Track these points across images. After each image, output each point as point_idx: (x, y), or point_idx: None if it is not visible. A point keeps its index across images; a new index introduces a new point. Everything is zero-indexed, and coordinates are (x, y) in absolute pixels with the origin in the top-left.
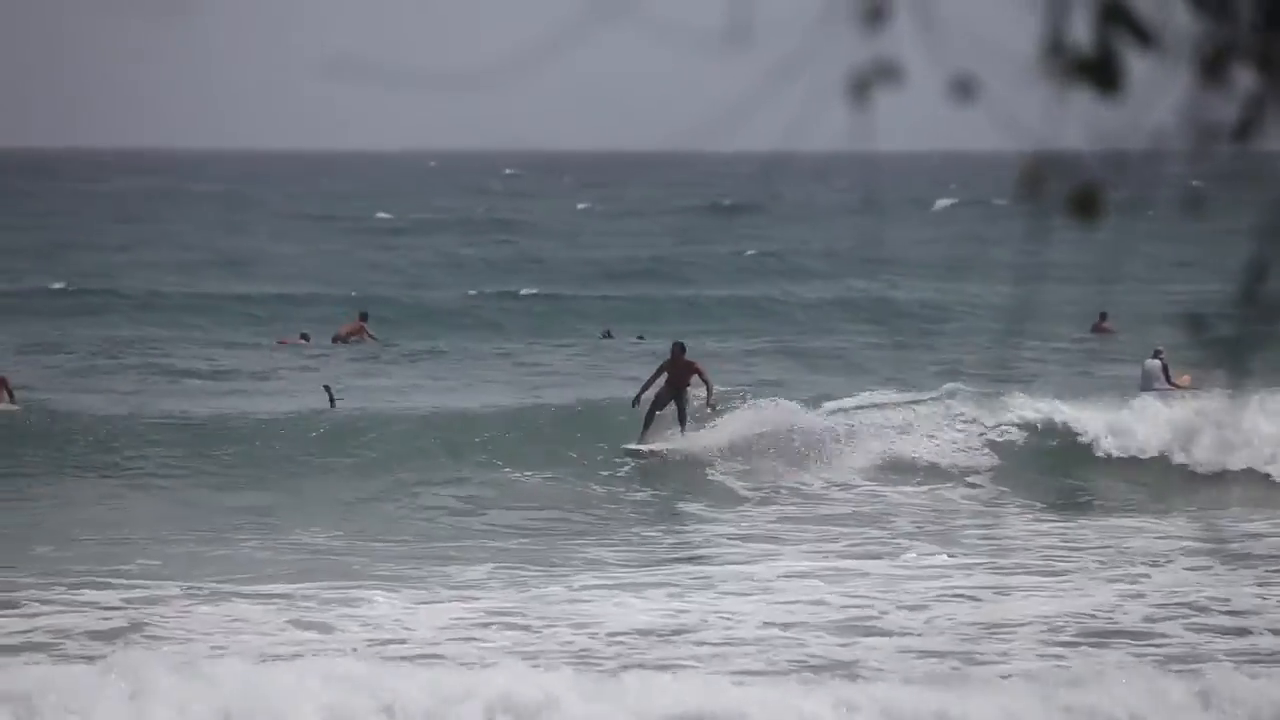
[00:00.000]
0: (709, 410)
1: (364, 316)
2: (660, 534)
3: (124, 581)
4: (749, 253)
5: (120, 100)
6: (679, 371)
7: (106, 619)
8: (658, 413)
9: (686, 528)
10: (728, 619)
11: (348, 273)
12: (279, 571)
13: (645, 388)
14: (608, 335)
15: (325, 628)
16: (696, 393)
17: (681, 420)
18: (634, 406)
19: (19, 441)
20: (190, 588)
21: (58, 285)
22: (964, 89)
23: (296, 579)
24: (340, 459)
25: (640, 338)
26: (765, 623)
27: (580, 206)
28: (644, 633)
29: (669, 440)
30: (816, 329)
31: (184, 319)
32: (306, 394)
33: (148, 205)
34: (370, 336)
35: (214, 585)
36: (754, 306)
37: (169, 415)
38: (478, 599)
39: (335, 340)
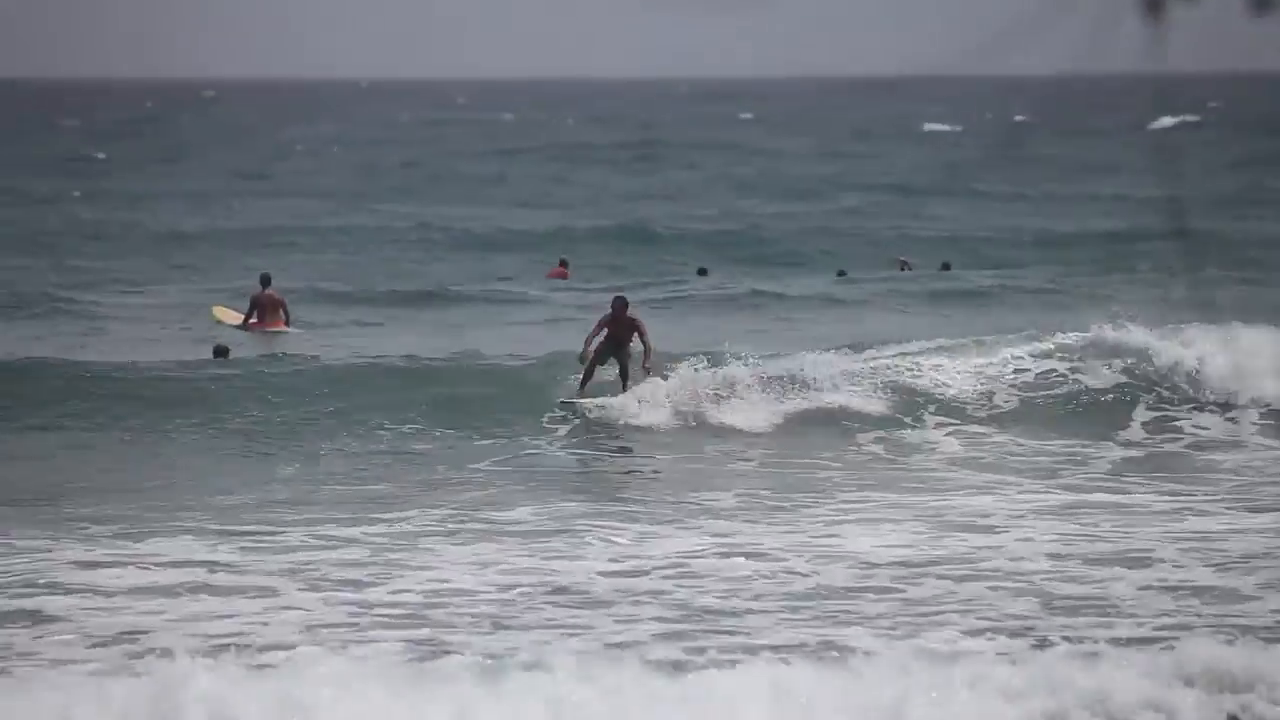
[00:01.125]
0: (646, 372)
1: (564, 263)
2: None
3: None
4: None
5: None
6: (620, 328)
7: None
8: (598, 367)
9: None
10: None
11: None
12: None
13: (589, 341)
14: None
15: None
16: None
17: (624, 377)
18: (581, 361)
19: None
20: None
21: None
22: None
23: None
24: None
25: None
26: None
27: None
28: None
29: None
30: None
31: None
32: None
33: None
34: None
35: None
36: None
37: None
38: None
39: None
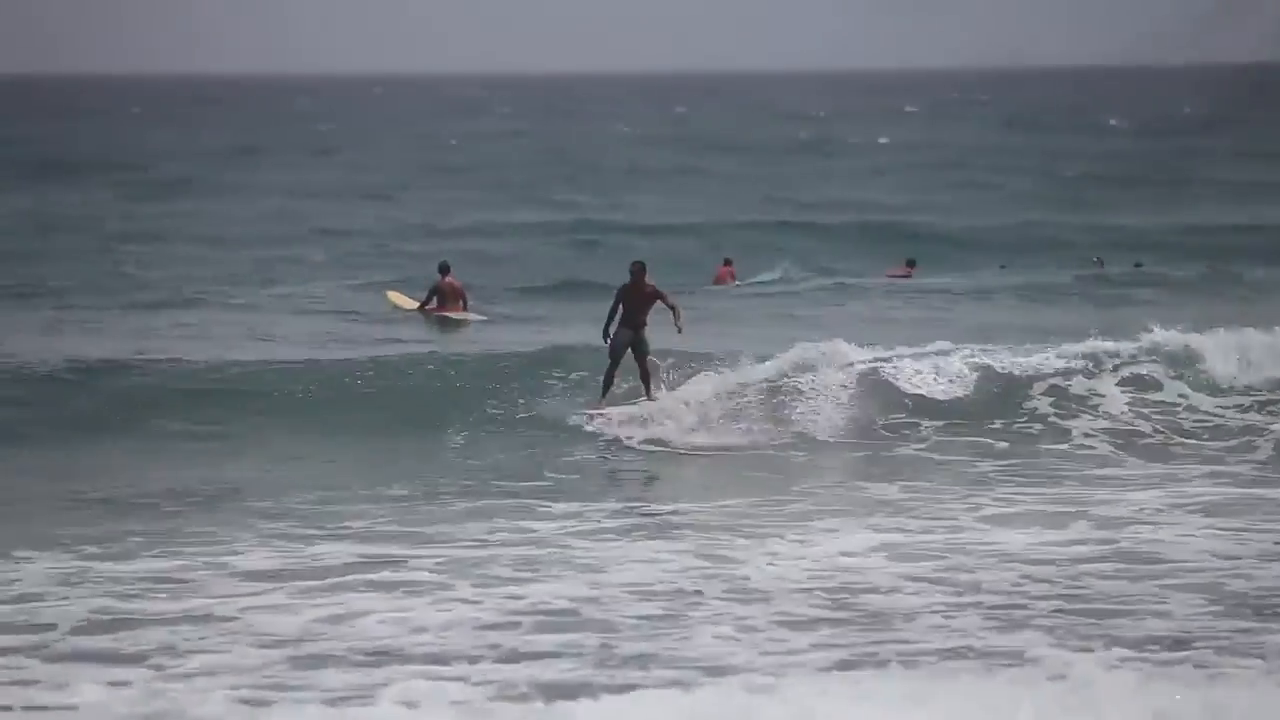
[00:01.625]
0: (679, 331)
1: (728, 262)
2: None
3: None
4: None
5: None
6: (638, 300)
7: None
8: (618, 365)
9: None
10: None
11: None
12: None
13: (610, 318)
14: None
15: None
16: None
17: (645, 380)
18: (606, 341)
19: None
20: None
21: None
22: None
23: None
24: None
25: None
26: None
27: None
28: None
29: (638, 404)
30: None
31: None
32: None
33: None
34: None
35: None
36: None
37: None
38: None
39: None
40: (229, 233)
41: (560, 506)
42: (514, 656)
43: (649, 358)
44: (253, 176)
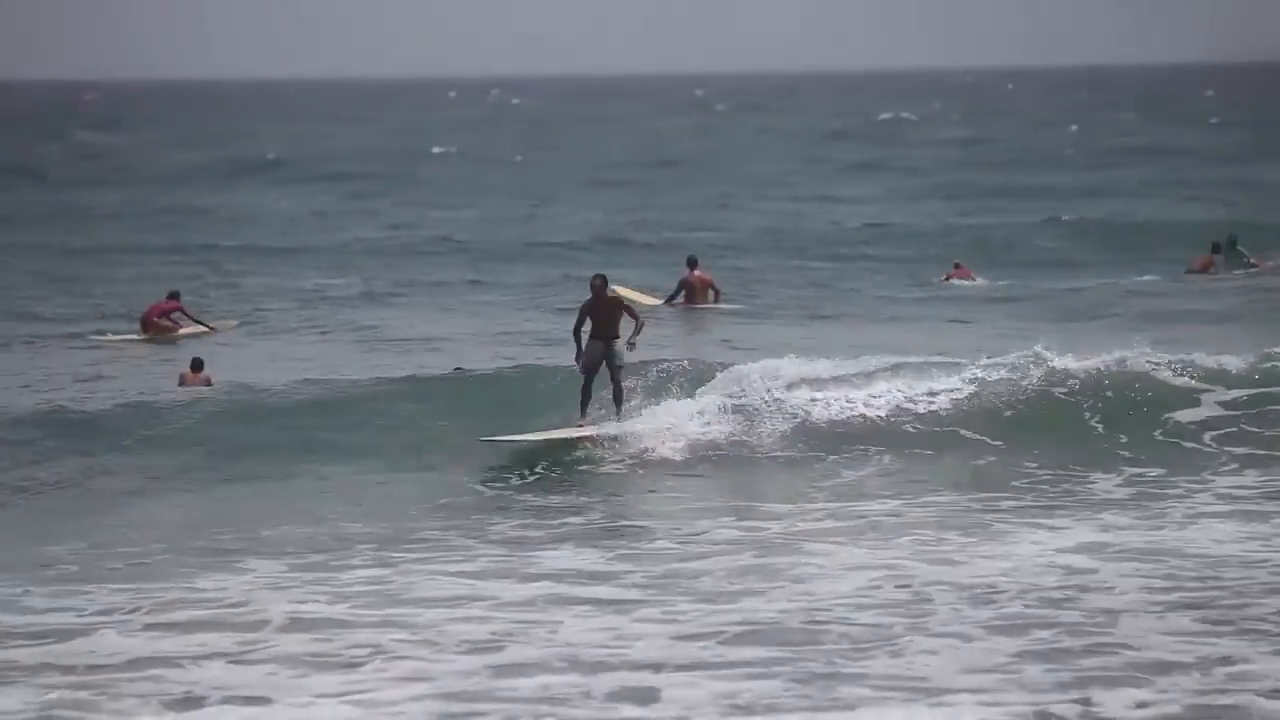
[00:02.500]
0: (630, 347)
1: (959, 266)
2: None
3: None
4: None
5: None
6: (604, 314)
7: None
8: (594, 379)
9: None
10: None
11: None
12: None
13: (576, 338)
14: None
15: None
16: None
17: (616, 397)
18: (577, 361)
19: None
20: None
21: None
22: None
23: None
24: None
25: None
26: None
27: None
28: None
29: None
30: None
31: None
32: None
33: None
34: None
35: None
36: None
37: None
38: None
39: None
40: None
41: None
42: (728, 669)
43: (622, 371)
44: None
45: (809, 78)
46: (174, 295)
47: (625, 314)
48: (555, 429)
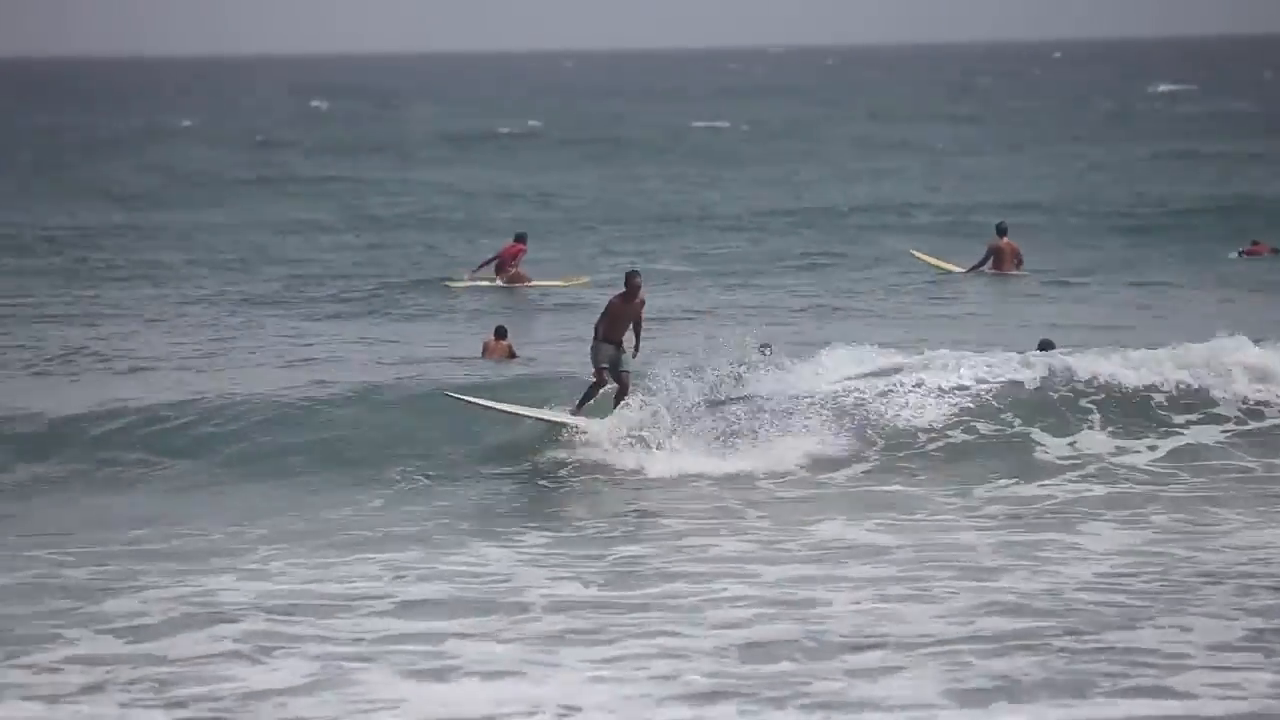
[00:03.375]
0: (632, 355)
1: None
2: None
3: None
4: None
5: None
6: (627, 311)
7: None
8: (604, 384)
9: None
10: None
11: None
12: None
13: (598, 329)
14: None
15: None
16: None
17: (619, 398)
18: (596, 360)
19: None
20: None
21: None
22: None
23: None
24: None
25: None
26: None
27: None
28: None
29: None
30: None
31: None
32: None
33: None
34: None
35: None
36: None
37: None
38: None
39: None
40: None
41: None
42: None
43: (627, 376)
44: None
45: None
46: (520, 238)
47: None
48: (542, 410)
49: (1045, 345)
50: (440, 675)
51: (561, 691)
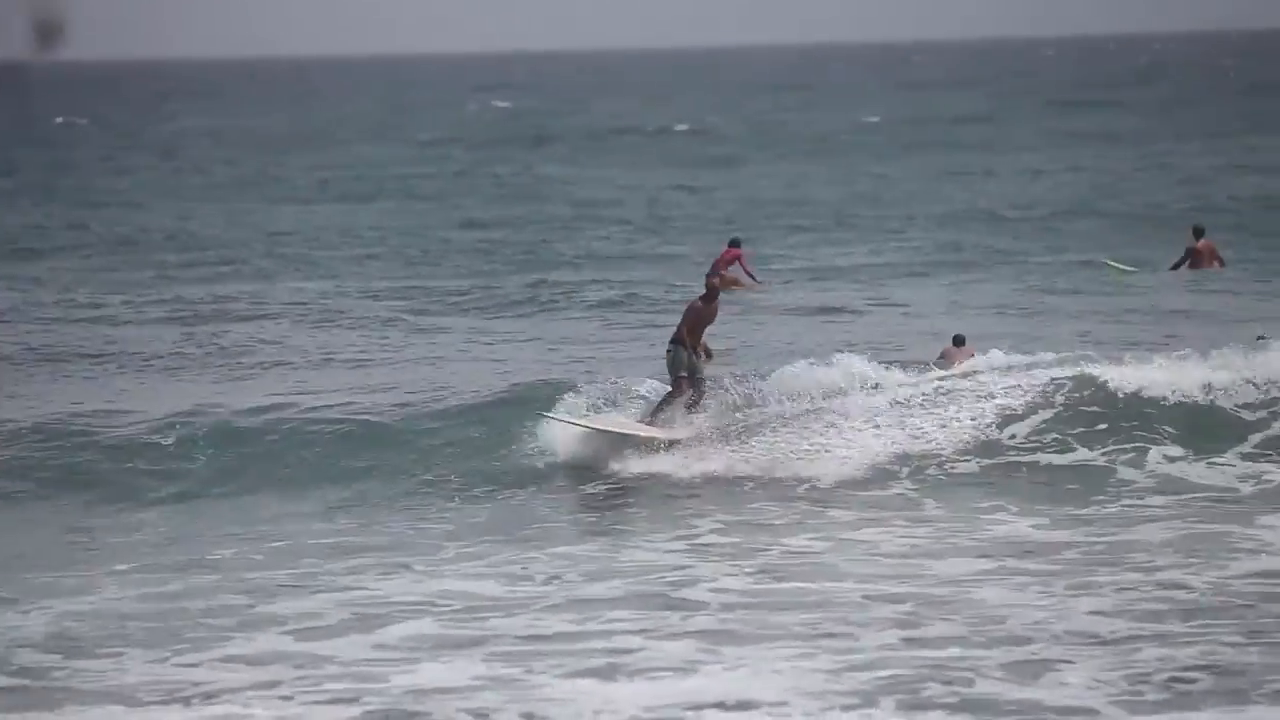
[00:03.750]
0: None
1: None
2: None
3: None
4: None
5: None
6: (703, 321)
7: None
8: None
9: None
10: None
11: None
12: None
13: (681, 338)
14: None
15: None
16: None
17: (668, 400)
18: (678, 368)
19: None
20: None
21: None
22: None
23: None
24: None
25: None
26: None
27: None
28: None
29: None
30: None
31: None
32: None
33: None
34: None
35: None
36: None
37: None
38: None
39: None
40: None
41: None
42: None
43: (684, 384)
44: None
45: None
46: (735, 243)
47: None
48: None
49: (1262, 339)
50: (609, 673)
51: (729, 688)
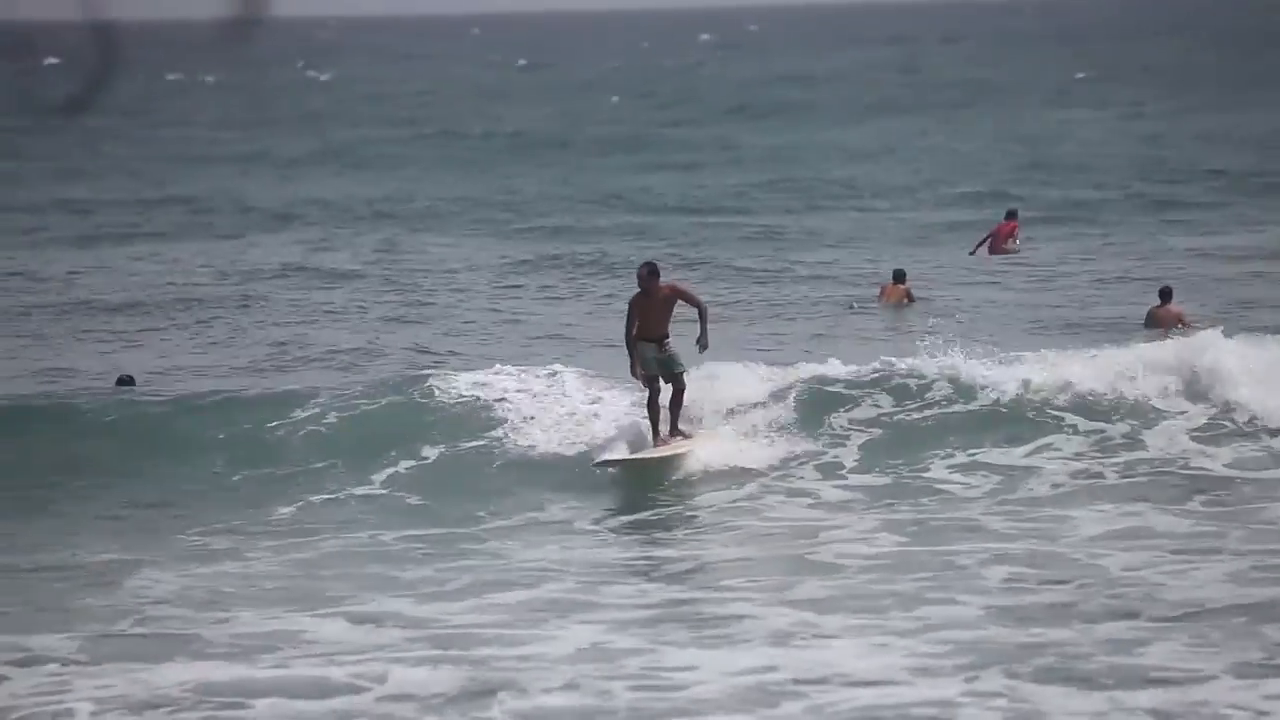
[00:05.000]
0: (701, 348)
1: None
2: None
3: None
4: None
5: None
6: (654, 309)
7: None
8: (660, 391)
9: None
10: None
11: None
12: None
13: (631, 344)
14: None
15: None
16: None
17: (673, 407)
18: (635, 374)
19: None
20: None
21: None
22: None
23: None
24: None
25: None
26: None
27: None
28: None
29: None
30: None
31: None
32: None
33: None
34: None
35: None
36: None
37: None
38: None
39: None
40: None
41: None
42: None
43: (684, 377)
44: None
45: None
46: (1012, 214)
47: (684, 301)
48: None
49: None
50: (729, 641)
51: (839, 657)
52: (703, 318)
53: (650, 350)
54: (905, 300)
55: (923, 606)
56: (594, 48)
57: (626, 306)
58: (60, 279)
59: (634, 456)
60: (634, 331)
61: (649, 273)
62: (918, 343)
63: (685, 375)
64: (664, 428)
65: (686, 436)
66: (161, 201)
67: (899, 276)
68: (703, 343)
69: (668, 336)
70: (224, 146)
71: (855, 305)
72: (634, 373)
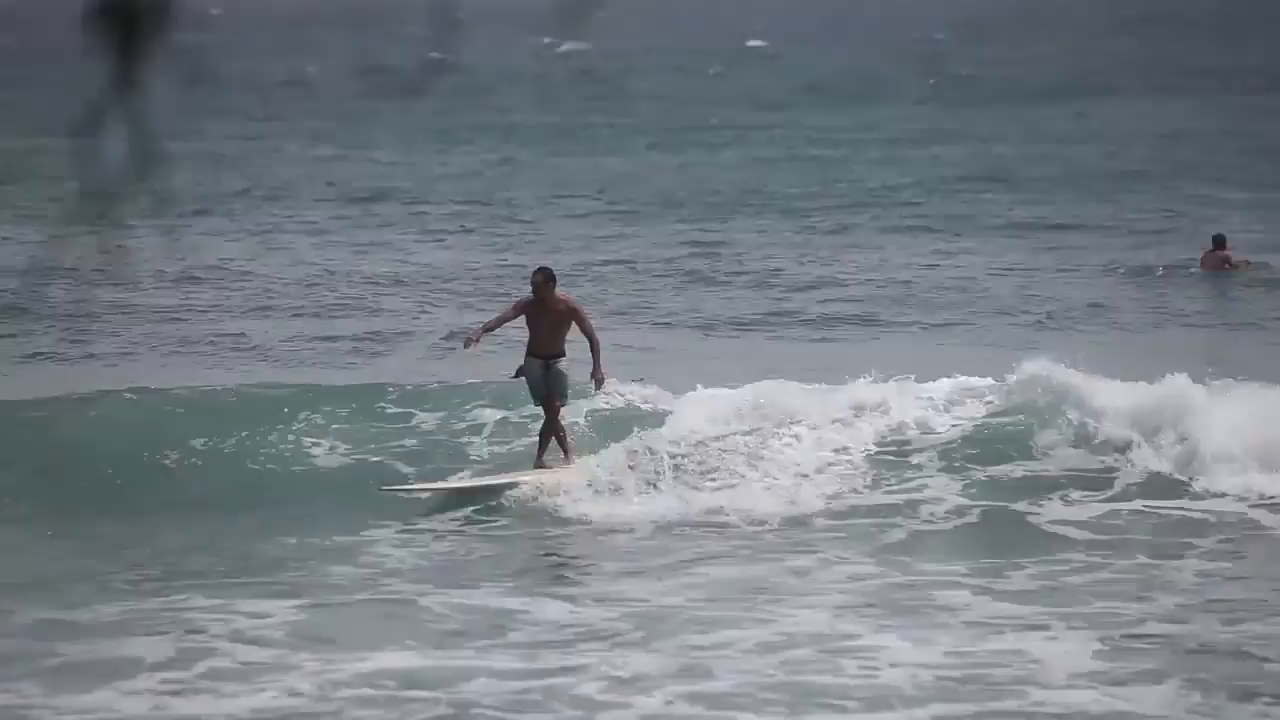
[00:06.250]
0: (597, 384)
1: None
2: None
3: None
4: None
5: None
6: (548, 323)
7: None
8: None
9: None
10: None
11: None
12: None
13: (488, 330)
14: None
15: None
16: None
17: (553, 433)
18: (518, 375)
19: None
20: None
21: None
22: None
23: None
24: None
25: None
26: None
27: None
28: None
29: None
30: None
31: None
32: None
33: None
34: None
35: None
36: None
37: None
38: None
39: None
40: None
41: None
42: None
43: (564, 402)
44: None
45: None
46: (1220, 241)
47: (577, 325)
48: (496, 475)
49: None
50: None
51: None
52: (595, 350)
53: (535, 367)
54: (1225, 267)
55: (1097, 617)
56: None
57: (510, 306)
58: None
59: (429, 486)
60: (498, 325)
61: (544, 279)
62: None
63: (560, 403)
64: (566, 449)
65: (548, 468)
66: None
67: (1219, 242)
68: (598, 378)
69: (562, 355)
70: None
71: (1162, 270)
72: (466, 342)
